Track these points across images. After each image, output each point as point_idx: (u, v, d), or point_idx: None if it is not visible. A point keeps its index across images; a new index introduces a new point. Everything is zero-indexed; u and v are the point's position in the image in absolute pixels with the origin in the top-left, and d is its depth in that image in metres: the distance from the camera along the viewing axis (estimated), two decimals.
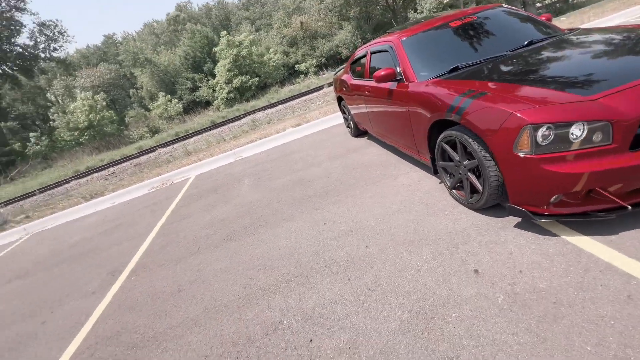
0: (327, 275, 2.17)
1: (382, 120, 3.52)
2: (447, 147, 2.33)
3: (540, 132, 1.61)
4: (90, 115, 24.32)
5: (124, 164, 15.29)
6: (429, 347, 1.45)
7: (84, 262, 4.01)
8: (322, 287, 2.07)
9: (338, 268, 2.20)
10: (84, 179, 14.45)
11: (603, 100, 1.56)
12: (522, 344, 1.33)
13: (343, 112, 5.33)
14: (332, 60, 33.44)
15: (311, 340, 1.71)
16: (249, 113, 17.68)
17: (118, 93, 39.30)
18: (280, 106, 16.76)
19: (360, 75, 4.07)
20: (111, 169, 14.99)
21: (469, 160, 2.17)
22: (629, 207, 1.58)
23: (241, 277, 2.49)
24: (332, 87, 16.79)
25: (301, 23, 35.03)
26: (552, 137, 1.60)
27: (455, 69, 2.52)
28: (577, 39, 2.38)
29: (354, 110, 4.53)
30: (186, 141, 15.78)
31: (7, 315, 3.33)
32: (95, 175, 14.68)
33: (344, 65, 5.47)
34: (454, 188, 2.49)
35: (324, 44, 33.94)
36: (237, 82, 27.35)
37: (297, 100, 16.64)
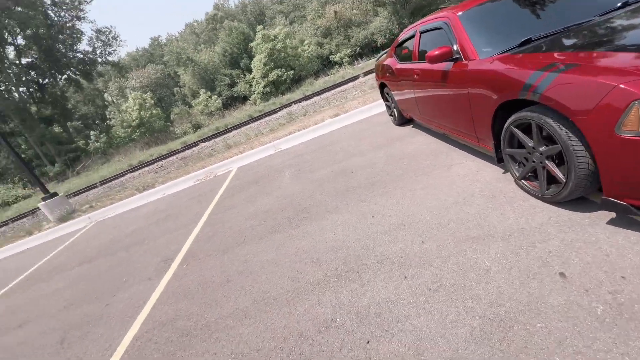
0: (380, 271, 2.02)
1: (433, 106, 3.24)
2: (517, 131, 2.04)
3: None
4: (141, 113, 26.19)
5: (170, 158, 16.28)
6: None
7: (139, 250, 4.27)
8: (376, 284, 1.94)
9: (392, 265, 2.04)
10: (137, 172, 15.65)
11: None
12: None
13: (385, 100, 5.07)
14: (367, 49, 32.51)
15: (368, 342, 1.59)
16: (285, 106, 17.83)
17: (163, 92, 41.92)
18: (315, 98, 16.67)
19: (406, 59, 3.79)
20: (159, 163, 16.05)
21: (547, 145, 1.87)
22: None
23: (288, 270, 2.44)
24: (367, 77, 16.40)
25: (335, 12, 34.38)
26: None
27: (528, 41, 2.19)
28: None
29: (398, 96, 4.27)
30: (226, 135, 16.35)
31: (77, 296, 3.65)
32: (146, 168, 15.83)
33: (386, 50, 5.17)
34: (524, 178, 2.19)
35: (359, 32, 33.06)
36: (272, 75, 27.74)
37: (333, 92, 16.42)
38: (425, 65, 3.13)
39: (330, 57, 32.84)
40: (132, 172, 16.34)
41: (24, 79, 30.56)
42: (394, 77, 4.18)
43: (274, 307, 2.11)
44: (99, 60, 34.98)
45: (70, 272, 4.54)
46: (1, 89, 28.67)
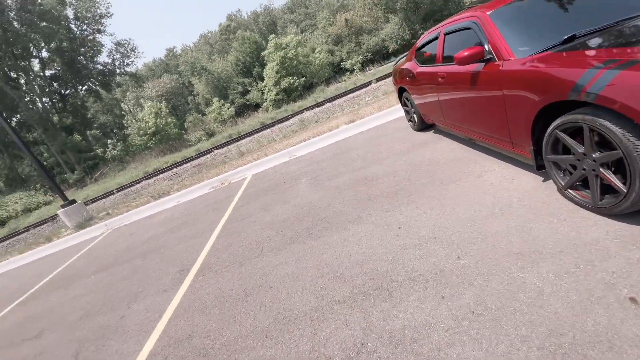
0: (414, 290, 1.85)
1: (460, 110, 3.06)
2: (565, 136, 1.85)
3: None
4: (157, 121, 26.81)
5: (184, 165, 16.49)
6: None
7: (155, 258, 4.21)
8: (410, 304, 1.77)
9: (426, 282, 1.87)
10: (152, 180, 15.89)
11: None
12: None
13: (404, 105, 4.91)
14: (378, 56, 32.47)
15: None
16: (297, 113, 17.89)
17: (178, 100, 42.99)
18: (327, 104, 16.65)
19: (429, 62, 3.65)
20: (174, 170, 16.27)
21: (602, 152, 1.68)
22: None
23: (311, 285, 2.29)
24: (379, 83, 16.27)
25: (346, 20, 34.62)
26: None
27: (571, 38, 2.01)
28: None
29: (419, 100, 4.10)
30: (239, 142, 16.47)
31: (93, 305, 3.59)
32: (161, 176, 16.06)
33: (405, 54, 5.03)
34: (571, 187, 1.99)
35: (370, 39, 33.14)
36: (284, 83, 28.00)
37: (345, 98, 16.37)
38: (452, 68, 2.98)
39: (341, 64, 32.97)
40: (148, 179, 16.61)
41: (47, 90, 31.92)
42: (414, 81, 4.03)
43: (297, 326, 1.96)
44: (118, 71, 36.21)
45: (87, 280, 4.52)
46: (26, 99, 29.98)
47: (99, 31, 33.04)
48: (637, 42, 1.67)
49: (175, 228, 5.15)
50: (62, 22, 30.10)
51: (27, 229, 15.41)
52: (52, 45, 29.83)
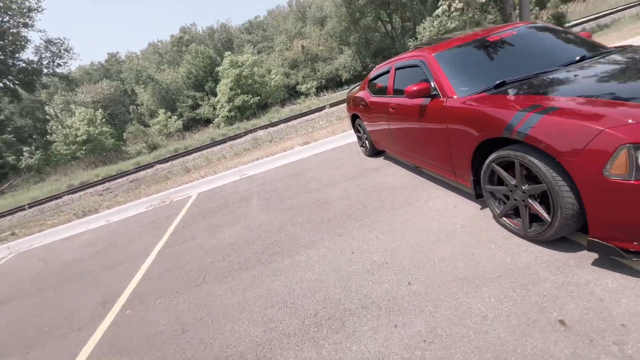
0: (367, 319, 1.80)
1: (409, 139, 3.26)
2: (499, 169, 2.05)
3: None
4: (90, 129, 24.08)
5: (119, 180, 14.86)
6: None
7: (71, 289, 3.56)
8: (363, 335, 1.71)
9: (379, 310, 1.84)
10: (77, 194, 13.95)
11: None
12: None
13: (357, 131, 5.10)
14: (332, 83, 34.06)
15: None
16: (250, 131, 17.58)
17: (118, 109, 39.44)
18: (282, 125, 16.69)
19: (381, 92, 3.87)
20: (106, 185, 14.54)
21: (530, 184, 1.88)
22: None
23: (258, 317, 2.11)
24: (333, 108, 16.93)
25: (302, 46, 36.00)
26: None
27: (502, 83, 2.29)
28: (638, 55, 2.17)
29: (371, 128, 4.30)
30: (185, 158, 15.50)
31: None
32: (89, 190, 14.20)
33: (359, 83, 5.31)
34: (505, 216, 2.19)
35: (325, 66, 34.74)
36: (238, 100, 27.54)
37: (299, 120, 16.61)
38: (402, 100, 3.18)
39: (296, 87, 33.78)
40: (72, 193, 14.54)
41: None
42: (367, 109, 4.23)
43: None
44: (45, 71, 32.13)
45: None
46: None
47: (26, 25, 29.26)
48: (553, 92, 1.96)
49: (102, 252, 4.49)
50: None
51: None
52: None
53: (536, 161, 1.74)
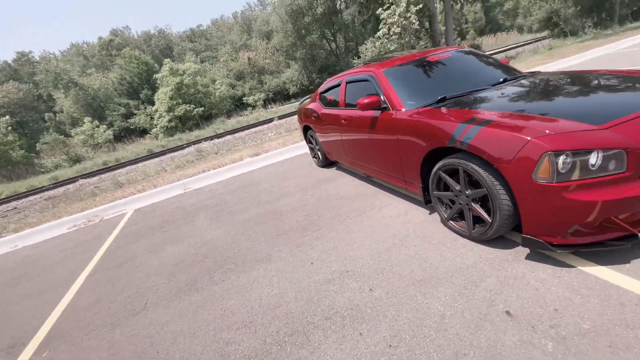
0: (331, 330, 1.76)
1: (361, 150, 3.38)
2: (445, 176, 2.23)
3: (561, 160, 1.56)
4: None
5: (31, 198, 12.69)
6: None
7: None
8: (329, 347, 1.66)
9: (343, 320, 1.81)
10: None
11: (614, 129, 1.59)
12: None
13: (309, 142, 5.15)
14: (280, 96, 34.21)
15: None
16: (193, 143, 16.61)
17: (29, 116, 34.09)
18: (228, 137, 16.12)
19: (332, 105, 3.98)
20: (13, 204, 12.28)
21: (472, 189, 2.07)
22: None
23: (213, 342, 1.92)
24: (282, 120, 16.96)
25: (249, 58, 35.65)
26: (571, 164, 1.57)
27: (444, 99, 2.53)
28: (551, 78, 2.59)
29: (324, 139, 4.37)
30: (117, 171, 13.93)
31: None
32: None
33: (310, 95, 5.40)
34: (452, 219, 2.37)
35: (272, 79, 34.79)
36: (179, 110, 25.89)
37: (247, 132, 16.24)
38: (353, 112, 3.31)
39: (243, 98, 33.06)
40: None
41: None
42: (319, 121, 4.30)
43: None
44: None
45: None
46: None
47: None
48: (487, 107, 2.21)
49: (9, 283, 3.70)
50: None
51: None
52: None
53: (477, 168, 1.93)
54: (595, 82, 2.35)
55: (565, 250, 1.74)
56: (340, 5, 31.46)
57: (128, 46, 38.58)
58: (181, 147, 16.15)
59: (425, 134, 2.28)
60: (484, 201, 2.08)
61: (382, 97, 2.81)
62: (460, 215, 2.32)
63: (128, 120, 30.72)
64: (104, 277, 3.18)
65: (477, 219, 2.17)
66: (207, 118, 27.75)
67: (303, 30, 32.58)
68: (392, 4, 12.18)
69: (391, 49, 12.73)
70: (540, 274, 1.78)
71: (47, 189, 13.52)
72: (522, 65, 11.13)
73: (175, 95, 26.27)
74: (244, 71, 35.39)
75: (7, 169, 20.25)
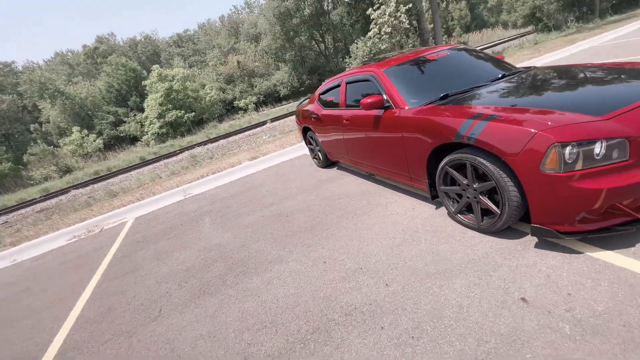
0: (353, 326, 1.80)
1: (364, 148, 3.43)
2: (452, 171, 2.29)
3: (567, 150, 1.63)
4: None
5: (22, 211, 12.42)
6: None
7: None
8: (352, 342, 1.70)
9: (363, 315, 1.85)
10: None
11: (615, 120, 1.67)
12: None
13: (309, 143, 5.18)
14: (271, 98, 34.12)
15: None
16: (186, 148, 16.47)
17: (14, 127, 33.31)
18: (222, 141, 16.03)
19: (332, 105, 4.02)
20: (2, 218, 11.99)
21: (480, 182, 2.14)
22: None
23: (234, 344, 1.94)
24: (275, 123, 16.96)
25: (238, 62, 35.50)
26: (577, 154, 1.64)
27: (446, 96, 2.60)
28: (548, 72, 2.68)
29: (325, 139, 4.41)
30: (110, 180, 13.73)
31: None
32: None
33: (308, 97, 5.44)
34: (459, 212, 2.44)
35: (262, 82, 34.68)
36: (170, 116, 25.64)
37: (241, 135, 16.18)
38: (356, 112, 3.35)
39: (234, 102, 32.89)
40: None
41: None
42: (319, 122, 4.34)
43: None
44: None
45: None
46: None
47: None
48: (490, 103, 2.28)
49: (9, 299, 3.64)
50: None
51: None
52: None
53: (485, 162, 2.00)
54: (591, 74, 2.44)
55: (573, 238, 1.81)
56: (327, 6, 31.59)
57: (114, 53, 38.01)
58: (174, 154, 16.00)
59: (431, 131, 2.34)
60: (491, 194, 2.15)
61: (384, 96, 2.87)
62: (468, 209, 2.39)
63: (118, 128, 30.26)
64: (113, 286, 3.16)
65: (485, 211, 2.23)
66: (198, 123, 27.53)
67: (291, 32, 32.60)
68: (382, 4, 12.33)
69: (382, 48, 12.87)
70: (551, 261, 1.85)
71: (39, 201, 13.24)
72: (510, 61, 11.36)
73: (165, 101, 26.02)
74: (234, 75, 35.22)
75: None
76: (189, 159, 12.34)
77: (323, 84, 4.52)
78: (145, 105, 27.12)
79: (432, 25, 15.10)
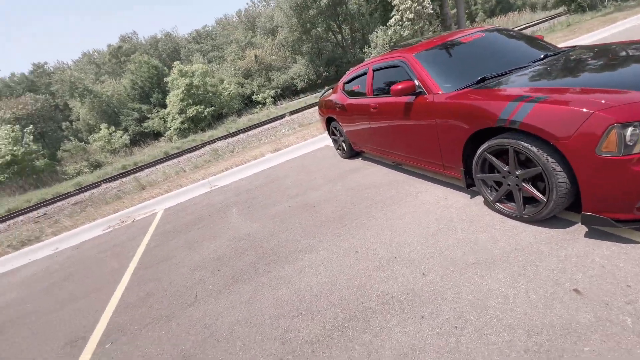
0: (391, 314, 1.77)
1: (392, 137, 3.35)
2: (492, 157, 2.18)
3: (629, 131, 1.50)
4: (15, 148, 21.06)
5: (59, 203, 13.17)
6: None
7: (21, 333, 3.01)
8: (392, 330, 1.67)
9: (401, 304, 1.82)
10: (5, 224, 12.04)
11: None
12: None
13: (333, 134, 5.13)
14: (288, 91, 34.15)
15: None
16: (208, 143, 16.83)
17: (48, 126, 35.23)
18: (242, 135, 16.25)
19: (358, 94, 3.94)
20: (42, 210, 12.78)
21: (523, 169, 2.03)
22: None
23: (271, 329, 1.96)
24: (294, 116, 16.96)
25: (255, 56, 35.66)
26: (638, 136, 1.51)
27: (483, 79, 2.47)
28: (596, 50, 2.49)
29: (350, 129, 4.35)
30: (137, 174, 14.26)
31: None
32: (20, 218, 12.35)
33: (330, 87, 5.37)
34: (498, 201, 2.33)
35: (279, 76, 34.72)
36: (191, 112, 26.23)
37: (260, 129, 16.33)
38: (384, 99, 3.27)
39: (252, 96, 33.18)
40: None
41: None
42: (344, 111, 4.28)
43: None
44: None
45: None
46: None
47: None
48: (535, 84, 2.14)
49: (55, 285, 3.88)
50: None
51: None
52: None
53: (530, 146, 1.88)
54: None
55: (630, 226, 1.68)
56: None
57: (137, 51, 39.18)
58: (196, 148, 16.38)
59: (469, 115, 2.24)
60: (534, 180, 2.04)
61: (416, 82, 2.77)
62: (507, 197, 2.28)
63: (142, 124, 31.35)
64: (149, 273, 3.29)
65: (527, 199, 2.12)
66: (218, 118, 28.02)
67: (308, 24, 32.32)
68: None
69: (404, 36, 12.50)
70: (605, 251, 1.73)
71: (73, 195, 14.00)
72: None
73: (186, 96, 26.61)
74: (252, 69, 35.45)
75: (32, 177, 21.04)
76: (211, 152, 12.58)
77: (347, 72, 4.44)
78: (167, 101, 27.88)
79: (454, 11, 14.48)
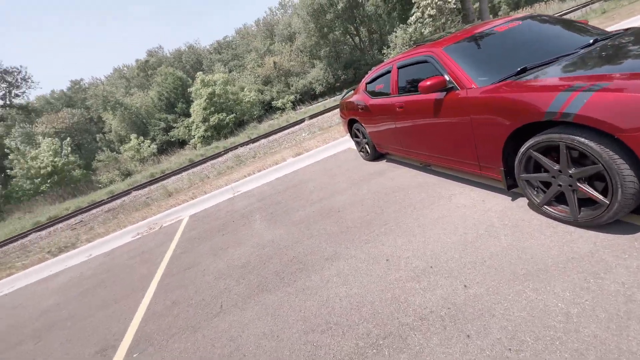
0: (431, 332, 1.60)
1: (421, 136, 3.16)
2: (539, 155, 1.96)
3: None
4: (56, 159, 22.55)
5: (93, 211, 13.87)
6: None
7: (58, 338, 3.08)
8: (433, 351, 1.50)
9: (442, 321, 1.64)
10: (46, 231, 12.82)
11: None
12: None
13: (355, 136, 4.99)
14: (307, 96, 34.36)
15: None
16: (230, 149, 17.16)
17: (84, 138, 37.53)
18: (263, 140, 16.42)
19: (382, 93, 3.79)
20: (78, 217, 13.50)
21: (577, 167, 1.80)
22: None
23: (299, 344, 1.84)
24: (313, 120, 16.94)
25: (274, 63, 36.25)
26: None
27: (524, 70, 2.24)
28: None
29: (374, 130, 4.19)
30: (164, 182, 14.77)
31: None
32: (59, 225, 13.10)
33: (351, 88, 5.24)
34: (547, 204, 2.09)
35: (298, 81, 35.05)
36: (213, 120, 27.01)
37: (280, 134, 16.43)
38: (411, 97, 3.10)
39: (272, 102, 33.68)
40: (39, 231, 13.35)
41: None
42: (367, 112, 4.13)
43: None
44: (1, 102, 30.15)
45: None
46: None
47: None
48: (589, 71, 1.90)
49: (88, 291, 3.99)
50: None
51: None
52: None
53: (587, 141, 1.66)
54: None
55: None
56: None
57: (162, 64, 41.04)
58: (219, 155, 16.74)
59: (511, 110, 2.03)
60: (590, 180, 1.80)
61: (446, 77, 2.58)
62: (557, 199, 2.04)
63: (168, 133, 32.68)
64: (175, 281, 3.28)
65: (583, 202, 1.88)
66: (239, 125, 28.63)
67: (325, 28, 32.47)
68: None
69: (424, 33, 12.16)
70: None
71: (106, 202, 14.71)
72: None
73: (209, 105, 27.44)
74: (271, 75, 36.06)
75: (70, 186, 22.40)
76: (234, 159, 12.78)
77: (369, 72, 4.29)
78: (191, 110, 28.89)
79: (476, 5, 13.92)
